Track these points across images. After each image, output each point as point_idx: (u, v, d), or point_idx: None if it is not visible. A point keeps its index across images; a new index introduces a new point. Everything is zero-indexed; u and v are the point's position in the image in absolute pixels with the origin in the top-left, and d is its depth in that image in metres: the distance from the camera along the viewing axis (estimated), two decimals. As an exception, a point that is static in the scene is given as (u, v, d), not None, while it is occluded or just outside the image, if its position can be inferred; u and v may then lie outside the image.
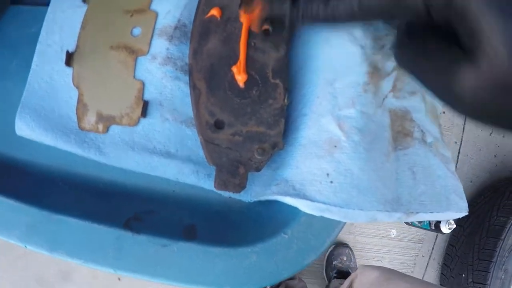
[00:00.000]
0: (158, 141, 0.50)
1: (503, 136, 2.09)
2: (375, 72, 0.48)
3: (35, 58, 0.52)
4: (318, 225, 0.47)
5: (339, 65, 0.48)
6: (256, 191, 0.49)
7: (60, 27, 0.53)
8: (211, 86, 0.45)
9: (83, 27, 0.52)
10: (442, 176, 0.54)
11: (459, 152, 2.06)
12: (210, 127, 0.45)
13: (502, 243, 1.75)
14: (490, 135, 2.09)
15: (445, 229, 1.70)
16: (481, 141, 2.09)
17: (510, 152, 2.13)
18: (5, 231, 0.48)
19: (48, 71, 0.52)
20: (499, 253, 1.75)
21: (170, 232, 0.47)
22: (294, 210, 0.45)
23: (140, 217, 0.49)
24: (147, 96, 0.50)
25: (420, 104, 0.54)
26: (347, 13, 0.36)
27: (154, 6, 0.51)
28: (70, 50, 0.51)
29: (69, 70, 0.51)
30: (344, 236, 1.94)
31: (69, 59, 0.51)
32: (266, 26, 0.45)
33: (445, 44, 0.30)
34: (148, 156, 0.49)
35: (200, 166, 0.49)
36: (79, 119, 0.50)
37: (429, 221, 1.76)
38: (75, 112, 0.50)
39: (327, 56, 0.49)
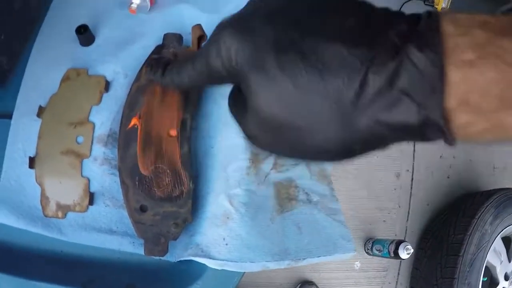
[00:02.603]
0: (103, 222, 0.71)
1: (454, 157, 2.31)
2: (256, 158, 0.70)
3: (5, 163, 0.73)
4: (222, 275, 0.68)
5: (229, 153, 0.70)
6: (178, 254, 0.70)
7: (22, 137, 0.74)
8: (135, 181, 0.66)
9: (39, 137, 0.73)
10: (327, 226, 0.76)
11: (412, 179, 2.24)
12: (137, 211, 0.66)
13: (462, 259, 1.92)
14: (440, 157, 2.29)
15: (404, 255, 1.88)
16: (433, 165, 2.28)
17: (462, 172, 2.34)
18: (-11, 295, 0.69)
19: (17, 172, 0.73)
20: (460, 269, 1.92)
21: (116, 289, 0.68)
22: (204, 266, 0.67)
23: (93, 280, 0.69)
24: (92, 189, 0.71)
25: (304, 171, 0.76)
26: (190, 80, 0.45)
27: (91, 118, 0.73)
28: (31, 156, 0.72)
29: (32, 171, 0.72)
30: (309, 274, 2.08)
31: (32, 162, 0.72)
32: (173, 132, 0.67)
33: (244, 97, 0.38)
34: (96, 234, 0.70)
35: (135, 238, 0.70)
36: (43, 208, 0.71)
37: (388, 250, 1.93)
38: (39, 203, 0.71)
39: (221, 146, 0.71)
